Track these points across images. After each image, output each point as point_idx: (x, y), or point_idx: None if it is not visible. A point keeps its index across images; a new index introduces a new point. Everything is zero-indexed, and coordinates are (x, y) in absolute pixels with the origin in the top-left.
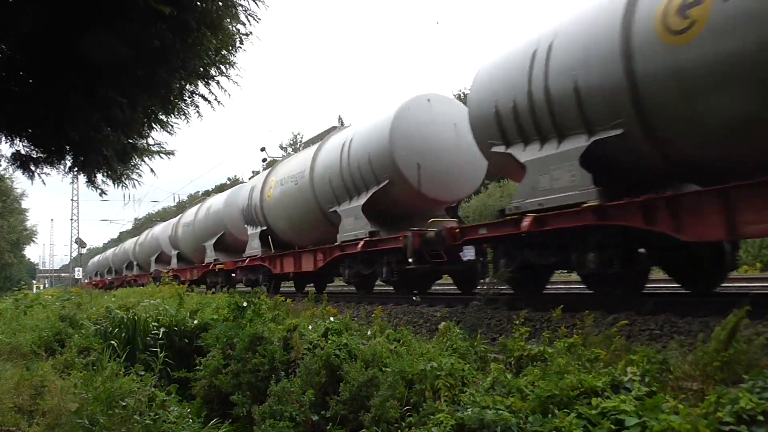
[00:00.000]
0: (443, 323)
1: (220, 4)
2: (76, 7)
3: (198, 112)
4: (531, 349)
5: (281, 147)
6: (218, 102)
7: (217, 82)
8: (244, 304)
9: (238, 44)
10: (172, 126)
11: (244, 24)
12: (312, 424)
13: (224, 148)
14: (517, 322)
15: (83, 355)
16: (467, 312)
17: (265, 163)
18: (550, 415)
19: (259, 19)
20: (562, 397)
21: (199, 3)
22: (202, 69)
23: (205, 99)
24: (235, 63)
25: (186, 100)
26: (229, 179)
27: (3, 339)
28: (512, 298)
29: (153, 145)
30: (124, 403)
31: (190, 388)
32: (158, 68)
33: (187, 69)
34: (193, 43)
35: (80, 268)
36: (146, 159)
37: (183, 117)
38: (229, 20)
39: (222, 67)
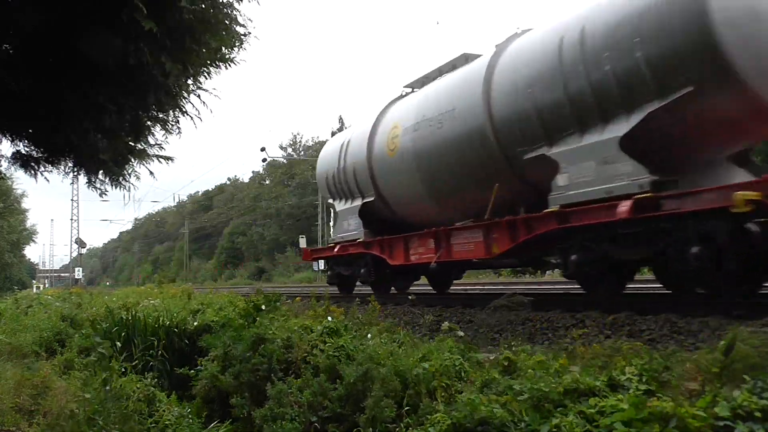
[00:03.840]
0: (446, 324)
1: (211, 17)
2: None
3: (179, 127)
4: (516, 360)
5: (281, 147)
6: (200, 118)
7: (198, 96)
8: (263, 306)
9: (223, 64)
10: (161, 142)
11: (235, 40)
12: (310, 424)
13: (224, 147)
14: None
15: (83, 355)
16: (468, 312)
17: (265, 164)
18: (546, 413)
19: (249, 32)
20: (556, 395)
21: (185, 18)
22: (178, 88)
23: (187, 114)
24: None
25: (168, 115)
26: (228, 179)
27: (3, 339)
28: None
29: (152, 147)
30: (124, 404)
31: (190, 388)
32: (140, 80)
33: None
34: (175, 58)
35: (80, 268)
36: (144, 163)
37: (168, 131)
38: (214, 35)
39: (198, 83)
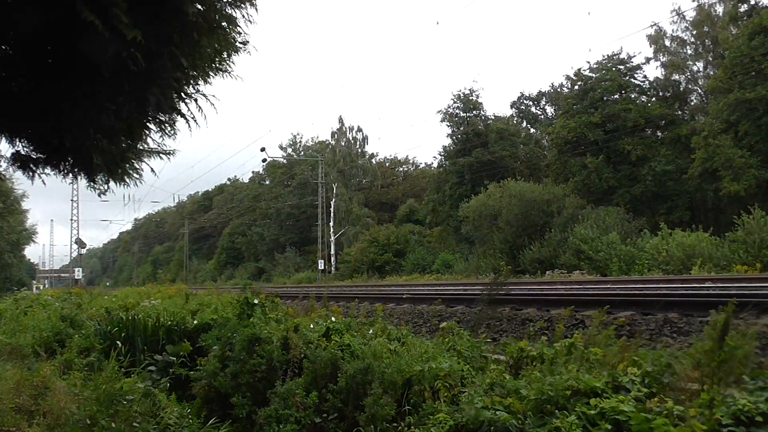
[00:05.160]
0: (445, 323)
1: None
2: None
3: (177, 129)
4: (530, 350)
5: (281, 147)
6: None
7: (195, 100)
8: (255, 301)
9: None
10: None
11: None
12: (314, 425)
13: (224, 148)
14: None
15: (83, 355)
16: (469, 312)
17: (265, 164)
18: (548, 415)
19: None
20: (559, 398)
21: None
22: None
23: (184, 116)
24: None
25: (170, 116)
26: (228, 179)
27: (3, 339)
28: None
29: (150, 148)
30: (126, 403)
31: (190, 388)
32: (145, 84)
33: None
34: (174, 66)
35: (80, 269)
36: (145, 160)
37: (166, 133)
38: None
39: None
